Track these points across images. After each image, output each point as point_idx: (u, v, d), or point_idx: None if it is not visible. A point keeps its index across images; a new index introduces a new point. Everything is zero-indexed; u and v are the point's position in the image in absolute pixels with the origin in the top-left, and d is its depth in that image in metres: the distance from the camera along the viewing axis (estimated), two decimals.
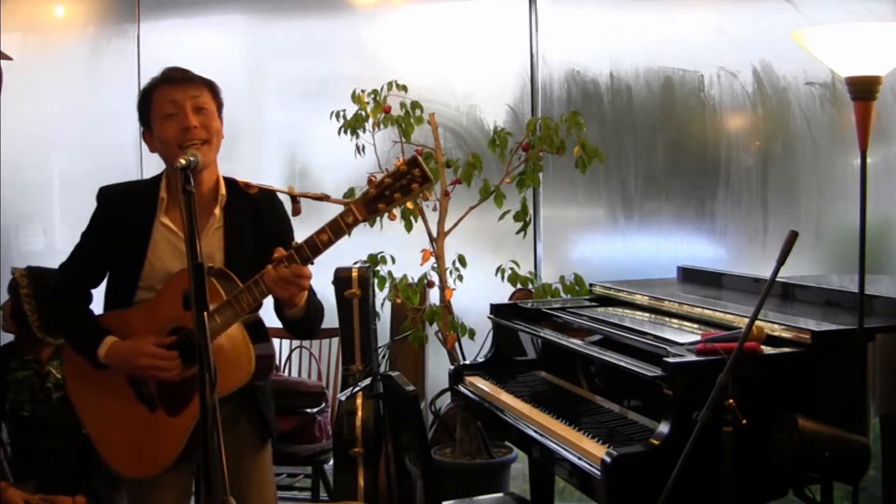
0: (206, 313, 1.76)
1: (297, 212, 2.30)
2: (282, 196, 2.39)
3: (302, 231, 2.44)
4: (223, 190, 2.34)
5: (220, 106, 2.36)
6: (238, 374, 2.20)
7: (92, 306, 2.43)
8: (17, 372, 3.07)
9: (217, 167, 2.37)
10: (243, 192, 2.33)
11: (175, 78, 2.30)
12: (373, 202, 2.03)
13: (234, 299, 2.14)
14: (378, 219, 3.97)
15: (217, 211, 2.33)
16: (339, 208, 2.10)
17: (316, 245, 2.08)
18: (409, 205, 3.92)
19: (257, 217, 2.36)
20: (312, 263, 2.12)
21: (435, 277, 4.01)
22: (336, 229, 2.06)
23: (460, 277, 3.98)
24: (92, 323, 2.35)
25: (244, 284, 2.16)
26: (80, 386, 2.41)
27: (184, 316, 2.21)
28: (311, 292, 2.34)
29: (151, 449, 2.29)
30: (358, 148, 4.02)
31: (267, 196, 2.38)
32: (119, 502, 3.15)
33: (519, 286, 3.97)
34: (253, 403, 2.39)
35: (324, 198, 2.28)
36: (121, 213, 2.34)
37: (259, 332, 2.25)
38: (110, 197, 2.38)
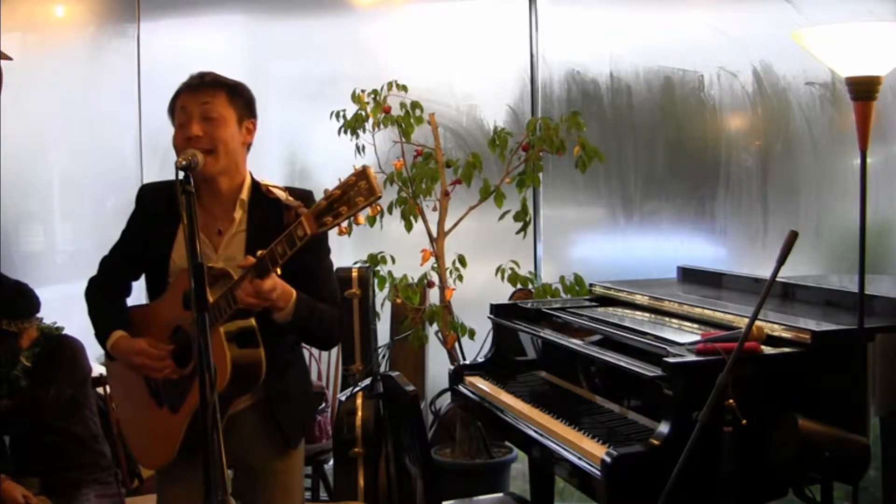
0: (206, 314, 1.77)
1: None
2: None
3: None
4: (244, 194, 2.32)
5: (246, 108, 2.32)
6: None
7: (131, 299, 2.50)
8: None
9: (243, 171, 2.34)
10: (266, 196, 2.28)
11: (192, 84, 2.29)
12: (321, 215, 1.94)
13: (214, 304, 2.10)
14: (378, 218, 3.98)
15: (237, 215, 2.31)
16: None
17: (274, 257, 2.03)
18: (411, 203, 3.92)
19: (281, 221, 2.27)
20: (279, 274, 2.06)
21: (435, 277, 4.01)
22: (290, 242, 2.00)
23: (460, 277, 3.97)
24: (109, 315, 2.40)
25: (222, 292, 2.12)
26: (115, 379, 2.53)
27: (184, 314, 2.21)
28: (331, 300, 2.33)
29: (158, 443, 2.32)
30: (358, 148, 4.02)
31: (294, 198, 2.30)
32: (115, 497, 3.16)
33: (519, 286, 3.97)
34: (269, 410, 2.34)
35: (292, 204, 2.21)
36: (151, 211, 2.37)
37: (246, 339, 2.20)
38: (145, 195, 2.43)
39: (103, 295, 2.45)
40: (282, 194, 2.22)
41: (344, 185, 1.92)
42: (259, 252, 2.05)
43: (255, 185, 2.34)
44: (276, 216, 2.27)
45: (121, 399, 2.53)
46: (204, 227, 2.25)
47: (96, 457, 3.17)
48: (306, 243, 1.99)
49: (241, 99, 2.32)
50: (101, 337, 2.37)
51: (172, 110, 2.32)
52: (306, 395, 2.52)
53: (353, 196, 1.90)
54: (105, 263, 2.48)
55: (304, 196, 2.30)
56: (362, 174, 1.90)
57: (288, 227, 2.03)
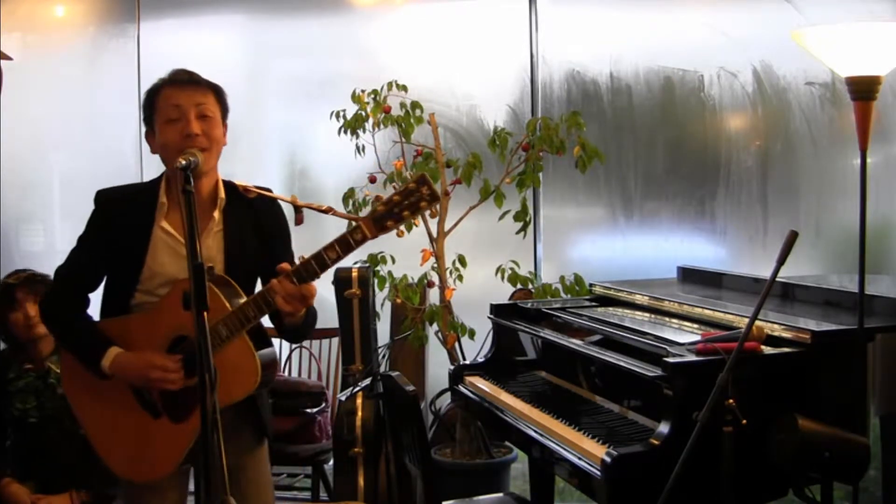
0: (206, 314, 1.77)
1: (299, 221, 2.29)
2: (284, 204, 2.39)
3: (298, 236, 2.44)
4: (222, 193, 2.33)
5: (225, 111, 2.34)
6: (245, 384, 2.20)
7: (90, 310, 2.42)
8: (17, 381, 3.04)
9: (217, 171, 2.35)
10: (242, 196, 2.31)
11: (181, 80, 2.29)
12: (381, 219, 2.05)
13: (240, 310, 2.13)
14: None
15: (216, 214, 2.31)
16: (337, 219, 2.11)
17: (324, 261, 2.07)
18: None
19: (257, 221, 2.35)
20: (319, 278, 2.11)
21: (435, 277, 4.00)
22: (344, 246, 2.07)
23: (460, 277, 3.97)
24: (93, 332, 2.32)
25: (250, 297, 2.15)
26: (78, 389, 2.40)
27: (186, 324, 2.20)
28: None
29: (155, 454, 2.29)
30: (358, 148, 4.02)
31: (266, 200, 2.37)
32: (116, 499, 3.14)
33: (519, 286, 3.97)
34: (252, 408, 2.38)
35: (329, 211, 2.30)
36: (119, 216, 2.31)
37: (261, 338, 2.24)
38: (108, 200, 2.35)
39: (74, 312, 2.34)
40: (277, 194, 2.25)
41: (404, 191, 2.05)
42: (301, 256, 2.10)
43: (229, 185, 2.35)
44: (250, 215, 2.33)
45: (94, 414, 2.38)
46: (181, 228, 2.24)
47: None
48: (286, 235, 2.15)
49: (222, 100, 2.35)
50: (94, 356, 2.26)
51: (153, 104, 2.29)
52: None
53: (416, 201, 2.04)
54: (64, 277, 2.36)
55: (268, 199, 2.35)
56: (423, 180, 2.05)
57: (282, 226, 2.10)
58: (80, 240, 2.37)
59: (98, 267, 2.35)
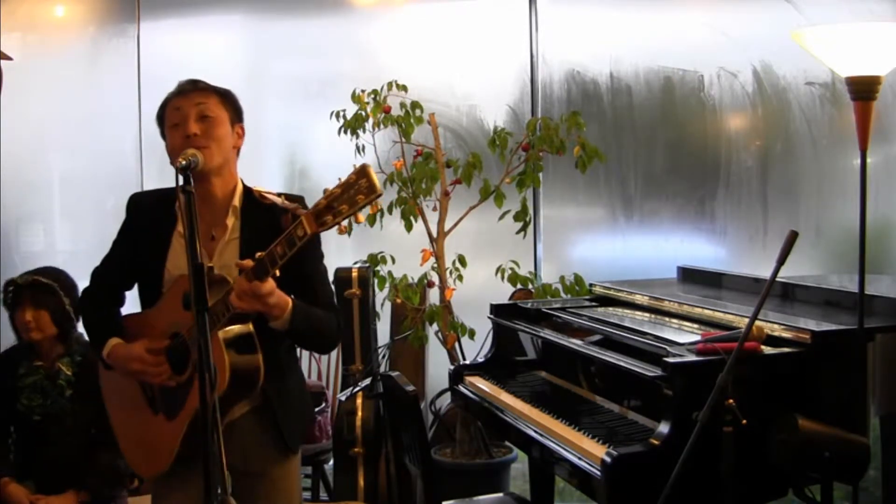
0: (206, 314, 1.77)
1: (286, 222, 2.26)
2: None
3: None
4: (236, 201, 2.32)
5: (235, 114, 2.35)
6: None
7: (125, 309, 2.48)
8: (26, 378, 3.05)
9: (235, 176, 2.36)
10: (260, 202, 2.24)
11: (185, 89, 2.31)
12: (321, 214, 1.93)
13: (210, 309, 2.05)
14: (378, 218, 3.98)
15: (230, 221, 2.31)
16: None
17: (273, 258, 2.01)
18: (411, 203, 3.93)
19: (275, 227, 2.22)
20: (276, 277, 2.05)
21: (435, 277, 4.01)
22: (290, 242, 1.98)
23: (460, 277, 3.97)
24: (104, 324, 2.38)
25: (219, 296, 2.10)
26: (109, 387, 2.48)
27: (182, 320, 2.20)
28: (327, 305, 2.32)
29: (153, 451, 2.30)
30: (358, 148, 4.02)
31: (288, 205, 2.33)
32: (118, 499, 3.14)
33: (519, 286, 3.97)
34: (269, 415, 2.34)
35: (280, 199, 2.19)
36: (144, 220, 2.36)
37: (245, 344, 2.19)
38: (136, 205, 2.41)
39: (97, 306, 2.43)
40: (277, 199, 2.20)
41: (344, 184, 1.90)
42: (258, 254, 2.03)
43: (247, 191, 2.34)
44: (270, 222, 2.24)
45: (115, 407, 2.48)
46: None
47: (100, 455, 3.15)
48: (305, 244, 1.97)
49: (231, 103, 2.36)
50: (97, 346, 2.35)
51: (163, 116, 2.33)
52: (304, 399, 2.52)
53: (354, 194, 1.89)
54: (97, 275, 2.46)
55: (296, 201, 2.27)
56: (362, 172, 1.88)
57: (285, 230, 2.02)
58: (114, 242, 2.45)
59: (126, 269, 2.40)
